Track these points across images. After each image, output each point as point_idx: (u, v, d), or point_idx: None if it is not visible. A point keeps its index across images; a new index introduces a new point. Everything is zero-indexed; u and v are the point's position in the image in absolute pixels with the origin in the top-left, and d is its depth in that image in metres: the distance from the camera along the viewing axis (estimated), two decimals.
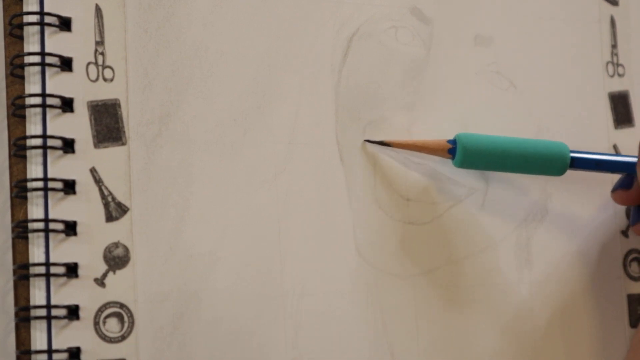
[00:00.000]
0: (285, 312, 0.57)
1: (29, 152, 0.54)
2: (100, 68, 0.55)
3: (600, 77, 0.67)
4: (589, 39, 0.67)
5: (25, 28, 0.54)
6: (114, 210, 0.54)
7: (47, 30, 0.54)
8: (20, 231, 0.53)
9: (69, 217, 0.54)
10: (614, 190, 0.63)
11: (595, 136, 0.66)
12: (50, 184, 0.53)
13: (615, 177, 0.64)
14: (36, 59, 0.54)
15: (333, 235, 0.58)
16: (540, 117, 0.64)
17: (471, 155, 0.58)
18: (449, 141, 0.59)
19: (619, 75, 0.67)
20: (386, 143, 0.59)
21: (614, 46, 0.68)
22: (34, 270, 0.53)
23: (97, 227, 0.54)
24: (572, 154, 0.60)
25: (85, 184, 0.54)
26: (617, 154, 0.64)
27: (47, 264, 0.53)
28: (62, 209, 0.54)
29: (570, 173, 0.62)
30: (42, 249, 0.53)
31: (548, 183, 0.64)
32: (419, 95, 0.61)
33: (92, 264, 0.54)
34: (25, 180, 0.53)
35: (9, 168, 0.54)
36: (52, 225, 0.53)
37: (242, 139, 0.57)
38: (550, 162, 0.59)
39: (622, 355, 0.65)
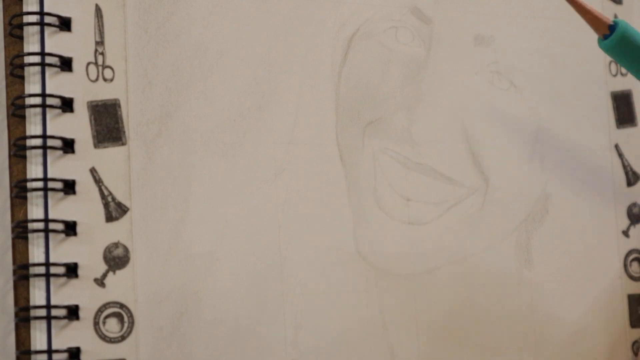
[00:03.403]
0: (285, 312, 0.57)
1: (28, 152, 0.54)
2: (100, 68, 0.55)
3: (602, 76, 0.67)
4: (591, 38, 0.67)
5: (25, 28, 0.54)
6: (114, 210, 0.54)
7: (47, 30, 0.54)
8: (20, 231, 0.53)
9: (69, 217, 0.54)
10: None
11: (597, 136, 0.66)
12: (50, 184, 0.53)
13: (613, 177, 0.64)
14: (36, 59, 0.54)
15: (333, 235, 0.58)
16: (541, 117, 0.64)
17: (625, 44, 0.56)
18: (609, 26, 0.57)
19: (622, 74, 0.67)
20: None
21: None
22: (34, 270, 0.53)
23: (97, 227, 0.54)
24: None
25: (85, 184, 0.54)
26: None
27: (47, 264, 0.53)
28: (62, 209, 0.54)
29: (572, 171, 0.62)
30: (42, 249, 0.53)
31: (548, 183, 0.64)
32: (419, 95, 0.61)
33: (92, 264, 0.54)
34: (25, 180, 0.53)
35: (9, 168, 0.54)
36: (52, 225, 0.53)
37: (242, 139, 0.57)
38: None
39: (623, 355, 0.65)
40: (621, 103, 0.67)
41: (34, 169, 0.54)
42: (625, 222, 0.66)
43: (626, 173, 0.67)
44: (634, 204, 0.66)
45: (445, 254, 0.61)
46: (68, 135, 0.54)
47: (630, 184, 0.67)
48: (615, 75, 0.67)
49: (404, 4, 0.61)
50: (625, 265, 0.66)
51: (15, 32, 0.54)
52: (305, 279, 0.57)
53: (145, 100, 0.56)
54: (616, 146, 0.67)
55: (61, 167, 0.54)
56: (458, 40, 0.63)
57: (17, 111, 0.54)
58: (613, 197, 0.66)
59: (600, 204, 0.65)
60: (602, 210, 0.66)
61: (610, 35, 0.57)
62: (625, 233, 0.66)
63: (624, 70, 0.67)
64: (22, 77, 0.54)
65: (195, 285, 0.55)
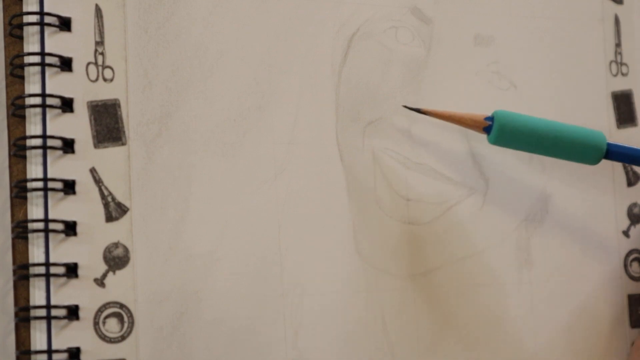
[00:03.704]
0: (285, 312, 0.57)
1: (28, 152, 0.54)
2: (100, 68, 0.55)
3: (603, 76, 0.67)
4: (591, 37, 0.67)
5: (25, 28, 0.54)
6: (114, 210, 0.54)
7: (47, 30, 0.54)
8: (20, 231, 0.53)
9: (68, 217, 0.54)
10: None
11: None
12: (50, 184, 0.53)
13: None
14: (36, 59, 0.54)
15: (333, 235, 0.58)
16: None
17: (507, 134, 0.57)
18: (486, 118, 0.58)
19: (623, 74, 0.67)
20: (423, 111, 0.59)
21: (618, 45, 0.67)
22: (33, 270, 0.53)
23: (97, 227, 0.54)
24: (609, 145, 0.60)
25: (85, 184, 0.54)
26: None
27: (47, 264, 0.53)
28: (62, 209, 0.54)
29: (572, 171, 0.62)
30: (42, 249, 0.53)
31: (548, 183, 0.64)
32: (419, 95, 0.61)
33: (92, 264, 0.54)
34: (25, 180, 0.53)
35: (9, 168, 0.54)
36: (52, 226, 0.53)
37: (242, 139, 0.57)
38: (585, 150, 0.59)
39: (623, 355, 0.65)
40: (621, 103, 0.67)
41: (34, 169, 0.54)
42: (625, 222, 0.66)
43: (626, 173, 0.67)
44: (634, 204, 0.66)
45: (445, 254, 0.61)
46: (68, 135, 0.54)
47: (630, 184, 0.67)
48: (615, 75, 0.67)
49: (404, 4, 0.61)
50: (625, 266, 0.66)
51: (15, 32, 0.54)
52: (305, 279, 0.57)
53: (145, 100, 0.56)
54: None
55: (61, 167, 0.54)
56: (458, 40, 0.63)
57: (17, 111, 0.54)
58: (613, 197, 0.66)
59: (601, 204, 0.65)
60: (602, 210, 0.65)
61: (490, 128, 0.58)
62: (626, 233, 0.66)
63: (624, 70, 0.67)
64: (22, 77, 0.54)
65: (195, 285, 0.55)
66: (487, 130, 0.58)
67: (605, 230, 0.65)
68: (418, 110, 0.59)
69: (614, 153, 0.60)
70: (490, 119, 0.58)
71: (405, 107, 0.59)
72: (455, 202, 0.61)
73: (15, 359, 0.53)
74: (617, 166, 0.66)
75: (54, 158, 0.54)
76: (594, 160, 0.59)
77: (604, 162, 0.62)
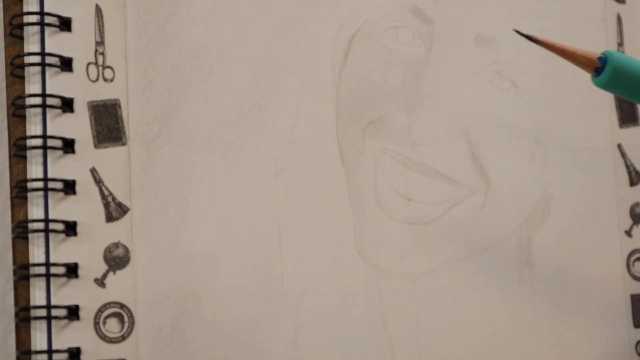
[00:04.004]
0: (285, 312, 0.57)
1: (29, 152, 0.54)
2: (100, 68, 0.55)
3: None
4: (593, 37, 0.67)
5: (25, 28, 0.54)
6: (114, 210, 0.54)
7: (47, 30, 0.54)
8: (20, 231, 0.53)
9: (69, 217, 0.54)
10: None
11: (599, 135, 0.66)
12: (50, 184, 0.53)
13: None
14: (36, 59, 0.54)
15: (333, 235, 0.58)
16: (542, 117, 0.64)
17: (620, 77, 0.52)
18: (599, 58, 0.53)
19: None
20: (534, 39, 0.54)
21: (620, 44, 0.67)
22: (34, 270, 0.53)
23: (97, 227, 0.54)
24: None
25: (85, 184, 0.54)
26: None
27: (47, 264, 0.53)
28: (62, 209, 0.54)
29: (574, 171, 0.62)
30: (42, 249, 0.53)
31: (550, 183, 0.64)
32: (420, 95, 0.61)
33: (92, 264, 0.54)
34: (25, 180, 0.53)
35: (9, 168, 0.54)
36: (52, 226, 0.53)
37: (242, 139, 0.57)
38: None
39: (627, 355, 0.64)
40: (624, 102, 0.67)
41: (34, 169, 0.54)
42: (628, 222, 0.66)
43: (629, 173, 0.66)
44: (637, 204, 0.66)
45: (446, 254, 0.61)
46: (68, 135, 0.54)
47: (633, 183, 0.67)
48: None
49: (404, 4, 0.61)
50: (628, 265, 0.66)
51: (15, 32, 0.55)
52: (305, 279, 0.57)
53: (145, 100, 0.56)
54: (619, 145, 0.66)
55: (61, 167, 0.54)
56: (459, 40, 0.63)
57: (17, 111, 0.54)
58: (616, 196, 0.66)
59: (603, 204, 0.65)
60: (605, 210, 0.65)
61: (602, 69, 0.53)
62: (628, 233, 0.66)
63: None
64: (22, 77, 0.54)
65: (195, 285, 0.55)
66: (598, 70, 0.53)
67: (607, 230, 0.65)
68: (529, 37, 0.54)
69: None
70: (603, 59, 0.53)
71: (516, 31, 0.55)
72: (456, 202, 0.61)
73: (15, 359, 0.53)
74: (620, 166, 0.66)
75: (54, 158, 0.54)
76: None
77: (606, 161, 0.62)
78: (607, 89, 0.53)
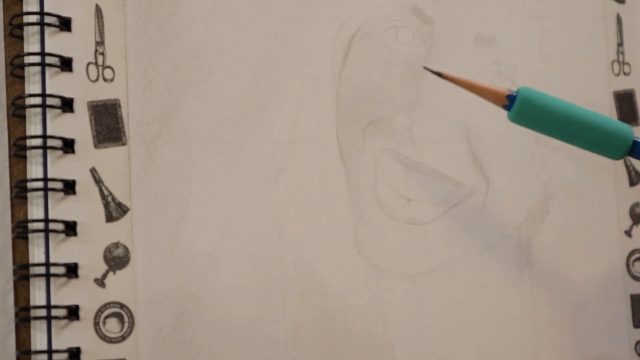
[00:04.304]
0: (285, 312, 0.57)
1: (29, 152, 0.54)
2: (100, 68, 0.55)
3: (605, 75, 0.67)
4: (593, 37, 0.67)
5: (25, 28, 0.54)
6: (114, 210, 0.54)
7: (47, 30, 0.54)
8: (20, 231, 0.53)
9: (69, 217, 0.54)
10: None
11: None
12: (50, 184, 0.53)
13: None
14: (36, 59, 0.54)
15: (333, 235, 0.58)
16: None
17: (529, 110, 0.54)
18: (509, 95, 0.55)
19: (625, 73, 0.67)
20: (444, 76, 0.56)
21: (620, 44, 0.67)
22: (34, 270, 0.53)
23: (97, 227, 0.54)
24: (636, 141, 0.55)
25: (85, 184, 0.54)
26: None
27: (47, 264, 0.53)
28: (62, 209, 0.54)
29: (574, 171, 0.62)
30: (42, 249, 0.53)
31: (550, 183, 0.64)
32: (420, 95, 0.61)
33: (92, 264, 0.54)
34: (25, 180, 0.53)
35: (9, 168, 0.54)
36: (52, 226, 0.53)
37: (242, 139, 0.57)
38: (609, 141, 0.55)
39: (627, 355, 0.64)
40: (624, 102, 0.67)
41: (34, 169, 0.54)
42: (627, 222, 0.66)
43: (629, 173, 0.66)
44: (637, 204, 0.66)
45: (446, 254, 0.61)
46: (68, 135, 0.54)
47: (632, 183, 0.67)
48: (617, 75, 0.67)
49: (404, 3, 0.61)
50: (627, 265, 0.66)
51: (15, 32, 0.55)
52: (306, 279, 0.57)
53: (145, 100, 0.56)
54: None
55: (61, 167, 0.54)
56: (459, 40, 0.63)
57: (17, 111, 0.54)
58: (615, 197, 0.66)
59: (603, 204, 0.65)
60: (605, 210, 0.65)
61: (511, 105, 0.55)
62: (628, 233, 0.66)
63: (627, 70, 0.67)
64: (22, 77, 0.54)
65: (195, 285, 0.55)
66: (507, 107, 0.55)
67: (607, 230, 0.65)
68: (439, 75, 0.56)
69: (638, 150, 0.56)
70: (512, 96, 0.55)
71: (426, 68, 0.57)
72: (456, 202, 0.61)
73: (15, 359, 0.53)
74: (620, 166, 0.66)
75: (54, 158, 0.54)
76: (617, 154, 0.56)
77: (606, 161, 0.62)
78: (519, 124, 0.55)
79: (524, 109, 0.54)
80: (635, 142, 0.55)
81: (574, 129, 0.55)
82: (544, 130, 0.56)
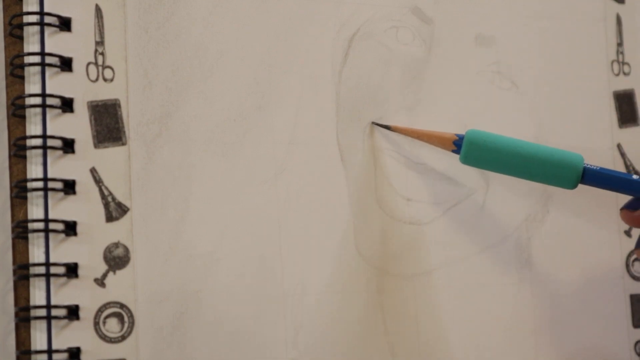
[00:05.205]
0: (285, 312, 0.57)
1: (29, 152, 0.54)
2: (100, 68, 0.55)
3: (604, 75, 0.67)
4: (593, 37, 0.67)
5: (25, 28, 0.54)
6: (114, 210, 0.54)
7: (47, 30, 0.54)
8: (20, 231, 0.53)
9: (69, 217, 0.54)
10: (622, 209, 0.59)
11: (599, 135, 0.66)
12: (50, 184, 0.53)
13: None
14: (36, 59, 0.54)
15: (333, 235, 0.58)
16: (543, 117, 0.64)
17: (476, 151, 0.56)
18: (457, 135, 0.57)
19: (625, 73, 0.67)
20: (392, 128, 0.59)
21: (620, 44, 0.67)
22: (34, 270, 0.53)
23: (97, 227, 0.54)
24: (586, 168, 0.56)
25: (85, 184, 0.54)
26: (630, 174, 0.59)
27: (47, 264, 0.53)
28: (62, 209, 0.54)
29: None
30: (42, 249, 0.53)
31: None
32: (420, 95, 0.61)
33: (92, 264, 0.54)
34: (25, 180, 0.53)
35: (9, 168, 0.54)
36: (52, 225, 0.53)
37: (242, 139, 0.57)
38: (560, 173, 0.56)
39: (625, 355, 0.64)
40: (623, 102, 0.67)
41: (34, 169, 0.54)
42: None
43: (628, 172, 0.66)
44: None
45: (446, 254, 0.61)
46: (68, 135, 0.54)
47: None
48: (617, 75, 0.67)
49: (404, 4, 0.61)
50: (627, 265, 0.66)
51: (15, 32, 0.54)
52: (305, 279, 0.57)
53: (145, 100, 0.56)
54: (618, 146, 0.66)
55: (61, 167, 0.54)
56: (459, 40, 0.63)
57: (17, 111, 0.54)
58: (615, 196, 0.66)
59: (602, 204, 0.65)
60: (604, 209, 0.65)
61: (459, 149, 0.57)
62: (628, 233, 0.66)
63: (626, 70, 0.67)
64: (22, 77, 0.54)
65: (195, 285, 0.55)
66: (458, 146, 0.57)
67: (606, 230, 0.65)
68: (387, 127, 0.59)
69: (590, 175, 0.56)
70: (462, 136, 0.57)
71: (375, 123, 0.59)
72: (456, 202, 0.61)
73: (15, 359, 0.53)
74: (620, 166, 0.66)
75: (54, 158, 0.54)
76: (569, 184, 0.56)
77: (605, 161, 0.62)
78: (471, 165, 0.57)
79: (471, 152, 0.56)
80: (585, 169, 0.56)
81: (523, 165, 0.56)
82: (496, 168, 0.57)
